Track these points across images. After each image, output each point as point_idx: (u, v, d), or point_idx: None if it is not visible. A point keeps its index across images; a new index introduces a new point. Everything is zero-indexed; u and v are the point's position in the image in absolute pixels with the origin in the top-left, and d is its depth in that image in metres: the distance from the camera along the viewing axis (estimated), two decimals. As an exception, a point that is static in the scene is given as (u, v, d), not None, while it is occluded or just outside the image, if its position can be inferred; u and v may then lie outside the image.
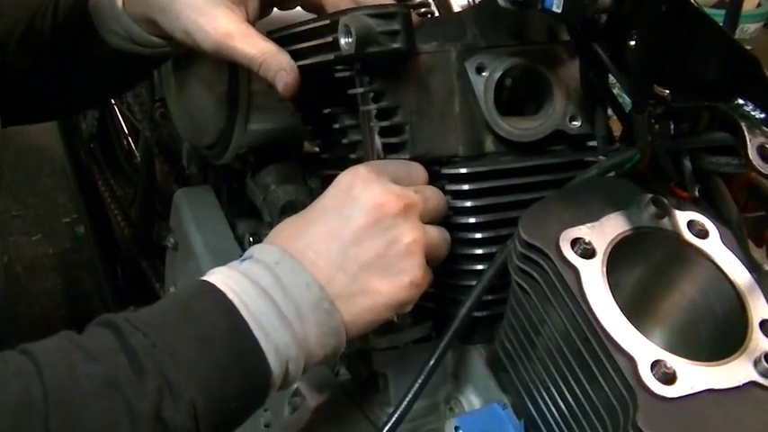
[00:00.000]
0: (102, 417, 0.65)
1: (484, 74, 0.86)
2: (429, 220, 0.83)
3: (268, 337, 0.73)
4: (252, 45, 0.90)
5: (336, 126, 0.93)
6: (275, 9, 1.00)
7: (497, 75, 0.85)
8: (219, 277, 0.76)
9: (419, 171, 0.85)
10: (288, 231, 0.81)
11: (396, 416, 0.80)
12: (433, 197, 0.84)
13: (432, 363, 0.81)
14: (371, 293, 0.78)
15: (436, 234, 0.83)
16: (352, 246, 0.78)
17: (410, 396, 0.80)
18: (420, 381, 0.81)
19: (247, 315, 0.73)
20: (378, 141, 0.85)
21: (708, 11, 0.72)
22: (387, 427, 0.79)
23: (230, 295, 0.73)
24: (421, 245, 0.80)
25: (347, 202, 0.80)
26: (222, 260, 1.17)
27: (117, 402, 0.65)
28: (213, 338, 0.71)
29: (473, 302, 0.82)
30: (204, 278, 0.76)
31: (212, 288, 0.74)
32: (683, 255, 0.78)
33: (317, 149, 1.07)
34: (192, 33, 0.92)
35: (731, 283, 0.76)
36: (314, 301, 0.76)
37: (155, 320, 0.72)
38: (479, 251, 0.86)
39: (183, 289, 0.77)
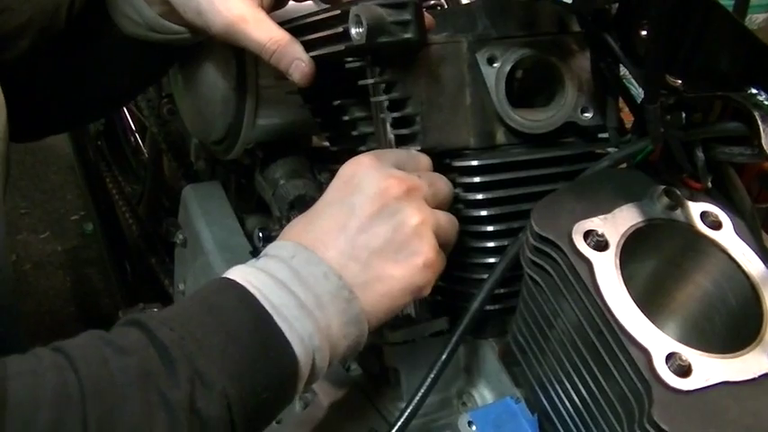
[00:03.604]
0: (138, 409, 0.65)
1: (495, 65, 0.85)
2: (436, 204, 0.82)
3: (291, 327, 0.73)
4: (265, 31, 0.90)
5: (346, 118, 0.93)
6: (291, 2, 1.00)
7: (508, 66, 0.85)
8: (238, 274, 0.76)
9: (423, 158, 0.85)
10: (296, 228, 0.81)
11: (408, 411, 0.79)
12: (438, 182, 0.83)
13: (444, 357, 0.81)
14: (386, 279, 0.77)
15: (444, 217, 0.82)
16: (359, 234, 0.78)
17: (422, 391, 0.80)
18: (432, 375, 0.81)
19: (269, 307, 0.73)
20: (390, 133, 0.85)
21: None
22: (399, 423, 0.79)
23: (251, 289, 0.73)
24: (429, 226, 0.79)
25: (350, 192, 0.79)
26: (232, 255, 1.19)
27: (152, 394, 0.65)
28: (239, 330, 0.71)
29: (485, 296, 0.82)
30: (223, 276, 0.77)
31: (233, 283, 0.75)
32: (697, 246, 0.77)
33: (326, 143, 1.07)
34: (204, 13, 0.92)
35: (745, 274, 0.75)
36: (333, 291, 0.75)
37: (179, 316, 0.72)
38: (491, 244, 0.86)
39: (202, 287, 0.77)
